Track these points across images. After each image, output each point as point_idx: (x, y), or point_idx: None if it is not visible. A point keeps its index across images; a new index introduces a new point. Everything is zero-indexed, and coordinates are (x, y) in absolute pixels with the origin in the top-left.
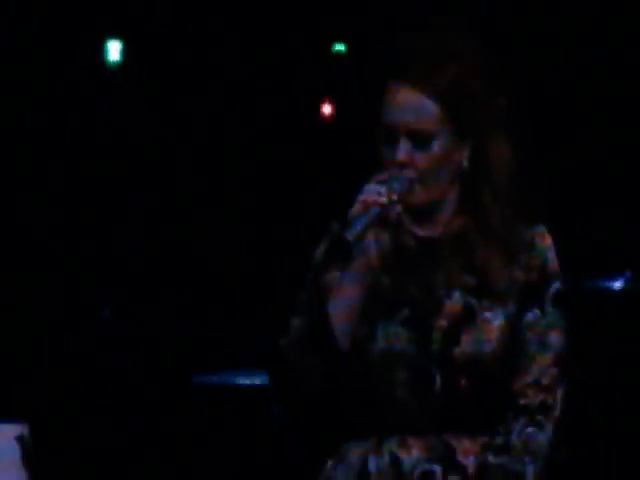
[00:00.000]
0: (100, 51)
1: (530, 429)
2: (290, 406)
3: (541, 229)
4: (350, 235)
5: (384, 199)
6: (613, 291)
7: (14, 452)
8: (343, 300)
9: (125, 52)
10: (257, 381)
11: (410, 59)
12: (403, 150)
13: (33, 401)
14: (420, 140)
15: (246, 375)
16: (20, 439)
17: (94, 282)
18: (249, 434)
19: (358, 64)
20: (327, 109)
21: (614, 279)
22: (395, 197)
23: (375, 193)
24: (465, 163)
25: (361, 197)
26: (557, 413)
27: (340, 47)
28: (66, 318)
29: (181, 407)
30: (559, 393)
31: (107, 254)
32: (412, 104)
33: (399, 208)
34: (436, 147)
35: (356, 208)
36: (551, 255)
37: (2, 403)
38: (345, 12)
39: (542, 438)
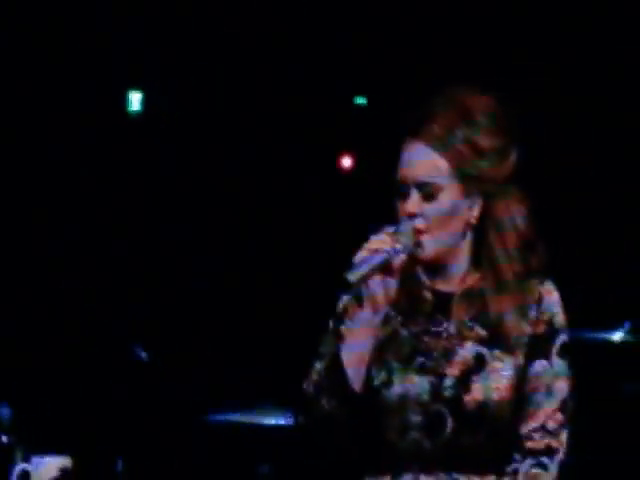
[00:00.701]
0: (122, 102)
1: (535, 470)
2: (311, 444)
3: (549, 285)
4: (351, 277)
5: (388, 247)
6: (613, 342)
7: None
8: (353, 345)
9: (146, 103)
10: (282, 421)
11: (426, 119)
12: (413, 201)
13: (75, 435)
14: (429, 192)
15: (272, 415)
16: (64, 471)
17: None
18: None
19: (378, 118)
20: (346, 162)
21: (614, 331)
22: (399, 246)
23: (380, 241)
24: (474, 220)
25: (368, 244)
26: (561, 456)
27: (361, 100)
28: (100, 358)
29: (199, 445)
30: (563, 437)
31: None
32: (424, 159)
33: (403, 257)
34: (444, 200)
35: (360, 253)
36: (558, 309)
37: (47, 437)
38: (366, 66)
39: (547, 479)
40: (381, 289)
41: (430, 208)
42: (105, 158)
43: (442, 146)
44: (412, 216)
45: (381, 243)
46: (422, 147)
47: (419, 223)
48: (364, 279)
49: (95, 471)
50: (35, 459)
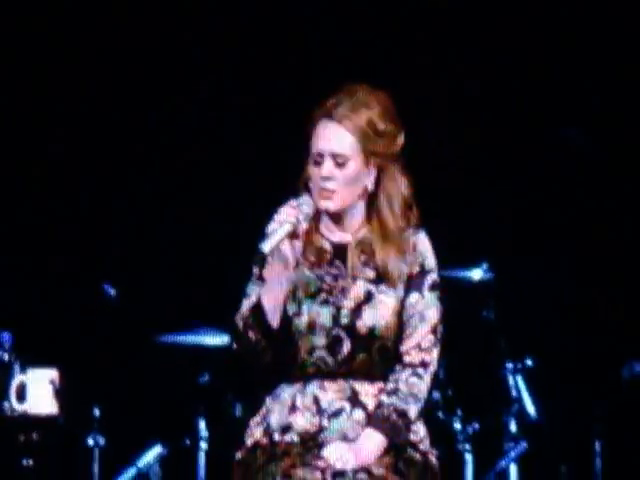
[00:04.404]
0: None
1: (413, 379)
2: (242, 363)
3: (422, 234)
4: (265, 247)
5: (293, 217)
6: (473, 280)
7: (48, 390)
8: (270, 292)
9: None
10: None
11: (337, 105)
12: (327, 167)
13: (61, 353)
14: (340, 161)
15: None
16: (52, 381)
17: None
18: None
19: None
20: None
21: (473, 269)
22: (302, 216)
23: (286, 213)
24: (370, 185)
25: (276, 217)
26: (433, 368)
27: None
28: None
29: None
30: (435, 353)
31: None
32: (336, 135)
33: (306, 224)
34: (350, 167)
35: (271, 225)
36: (429, 254)
37: (39, 353)
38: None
39: (422, 385)
40: (289, 251)
41: (340, 173)
42: None
43: (351, 125)
44: (326, 179)
45: (287, 215)
46: (336, 126)
47: (331, 184)
48: (275, 247)
49: (74, 380)
50: (30, 371)
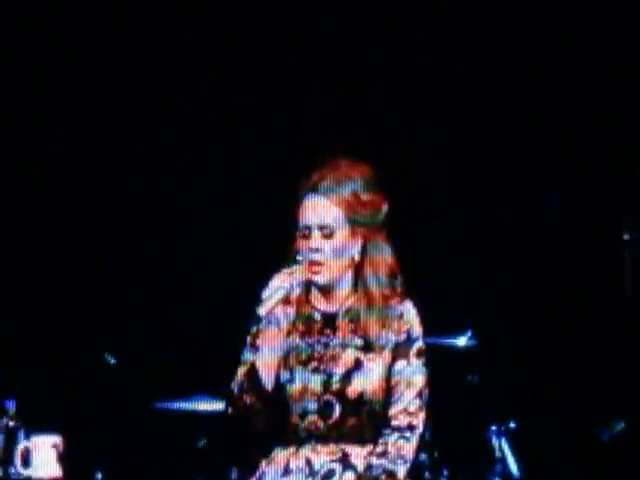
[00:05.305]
0: None
1: (401, 442)
2: (237, 427)
3: (409, 303)
4: (261, 311)
5: (286, 284)
6: (458, 347)
7: (52, 455)
8: (264, 357)
9: None
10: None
11: (322, 180)
12: (314, 239)
13: (63, 420)
14: (327, 232)
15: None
16: (55, 446)
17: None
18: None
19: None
20: None
21: (458, 337)
22: (295, 282)
23: (280, 280)
24: (357, 255)
25: (271, 283)
26: (420, 431)
27: None
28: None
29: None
30: (421, 417)
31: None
32: (322, 208)
33: (299, 290)
34: (338, 239)
35: (267, 291)
36: (415, 322)
37: (42, 418)
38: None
39: (409, 448)
40: (283, 316)
41: (328, 244)
42: None
43: (336, 198)
44: (314, 251)
45: (281, 281)
46: (322, 199)
47: (319, 256)
48: (270, 311)
49: (76, 445)
50: (33, 438)
